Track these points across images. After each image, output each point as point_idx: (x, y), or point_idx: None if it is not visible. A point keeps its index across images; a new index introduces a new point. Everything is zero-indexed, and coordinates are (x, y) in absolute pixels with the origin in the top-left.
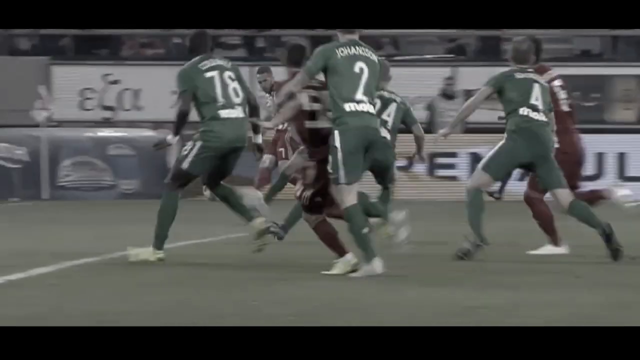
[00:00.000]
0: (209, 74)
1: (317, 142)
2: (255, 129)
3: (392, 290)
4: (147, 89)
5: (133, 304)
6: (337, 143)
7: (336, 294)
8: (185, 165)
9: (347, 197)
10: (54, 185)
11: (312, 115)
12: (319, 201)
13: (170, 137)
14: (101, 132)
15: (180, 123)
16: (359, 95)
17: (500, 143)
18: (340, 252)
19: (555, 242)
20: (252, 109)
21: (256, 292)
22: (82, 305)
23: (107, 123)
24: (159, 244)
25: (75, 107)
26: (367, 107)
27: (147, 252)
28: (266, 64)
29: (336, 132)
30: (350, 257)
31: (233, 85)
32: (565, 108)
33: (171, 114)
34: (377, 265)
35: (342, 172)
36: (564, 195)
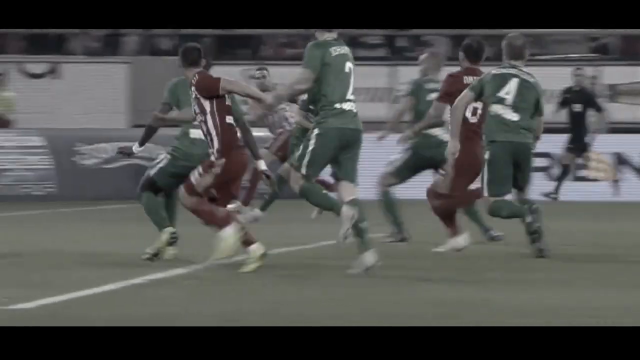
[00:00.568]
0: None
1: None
2: (255, 155)
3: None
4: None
5: (265, 305)
6: (313, 141)
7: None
8: (152, 172)
9: (297, 186)
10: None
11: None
12: (213, 195)
13: (135, 147)
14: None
15: (147, 134)
16: (349, 94)
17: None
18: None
19: (454, 234)
20: (243, 132)
21: (399, 292)
22: (214, 307)
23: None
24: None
25: None
26: (354, 106)
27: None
28: (406, 64)
29: (315, 131)
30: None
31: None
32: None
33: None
34: (345, 210)
35: (305, 162)
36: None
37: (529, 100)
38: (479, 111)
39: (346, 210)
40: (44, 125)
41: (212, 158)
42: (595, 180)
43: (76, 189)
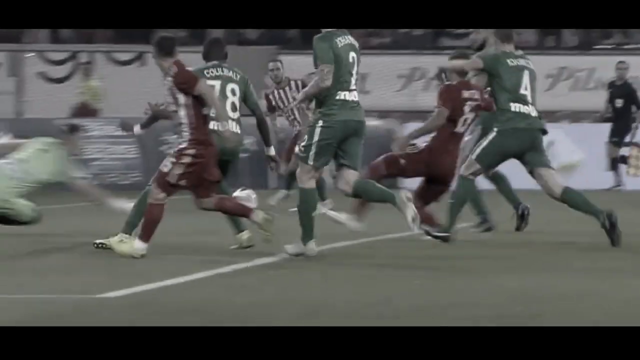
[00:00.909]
0: (210, 82)
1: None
2: (266, 142)
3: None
4: (374, 73)
5: (350, 295)
6: (318, 132)
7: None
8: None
9: (307, 178)
10: (280, 174)
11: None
12: (183, 185)
13: (137, 128)
14: None
15: (151, 120)
16: (352, 84)
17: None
18: (147, 237)
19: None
20: (259, 122)
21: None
22: (301, 295)
23: None
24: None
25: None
26: (356, 96)
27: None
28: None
29: (320, 122)
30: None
31: (232, 99)
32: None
33: (396, 102)
34: (310, 248)
35: (312, 154)
36: None
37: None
38: (468, 122)
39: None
40: (130, 114)
41: (182, 146)
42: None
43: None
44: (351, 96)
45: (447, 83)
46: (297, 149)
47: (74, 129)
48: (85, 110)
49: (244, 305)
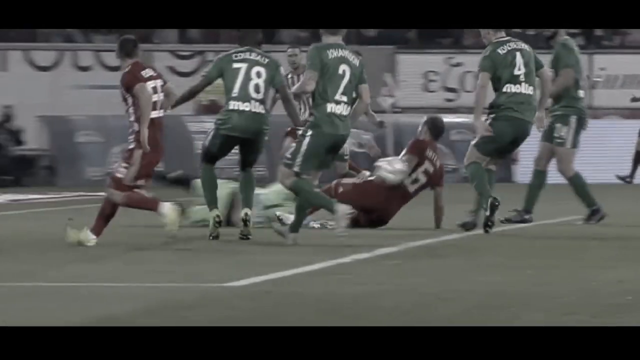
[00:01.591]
0: (236, 65)
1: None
2: (293, 118)
3: None
4: None
5: (473, 284)
6: (306, 142)
7: None
8: (205, 142)
9: (288, 180)
10: None
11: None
12: (141, 186)
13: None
14: (444, 118)
15: (183, 98)
16: (339, 95)
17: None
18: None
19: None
20: (283, 101)
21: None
22: (419, 286)
23: (448, 109)
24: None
25: (419, 90)
26: (344, 108)
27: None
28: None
29: (309, 132)
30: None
31: (256, 81)
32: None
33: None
34: (292, 237)
35: (299, 161)
36: None
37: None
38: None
39: (342, 208)
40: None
41: (131, 147)
42: None
43: (273, 174)
44: (339, 109)
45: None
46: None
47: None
48: (214, 108)
49: (364, 295)
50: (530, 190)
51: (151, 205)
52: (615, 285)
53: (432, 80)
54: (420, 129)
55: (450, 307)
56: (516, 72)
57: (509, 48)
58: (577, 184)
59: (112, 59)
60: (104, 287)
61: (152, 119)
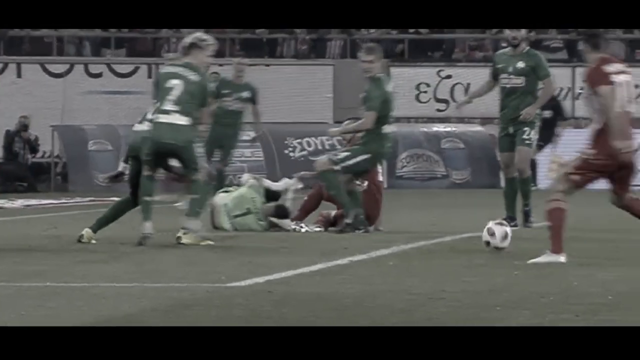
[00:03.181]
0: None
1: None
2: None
3: None
4: (475, 84)
5: (462, 285)
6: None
7: None
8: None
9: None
10: (392, 175)
11: None
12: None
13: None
14: (435, 127)
15: None
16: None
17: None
18: None
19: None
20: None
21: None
22: (415, 286)
23: (439, 119)
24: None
25: (412, 100)
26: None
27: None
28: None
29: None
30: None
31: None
32: None
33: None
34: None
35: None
36: None
37: None
38: None
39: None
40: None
41: None
42: None
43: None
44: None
45: None
46: None
47: None
48: None
49: (362, 295)
50: (507, 198)
51: None
52: (597, 285)
53: (423, 92)
54: None
55: (439, 307)
56: None
57: None
58: (521, 187)
59: (122, 67)
60: (112, 287)
61: None
